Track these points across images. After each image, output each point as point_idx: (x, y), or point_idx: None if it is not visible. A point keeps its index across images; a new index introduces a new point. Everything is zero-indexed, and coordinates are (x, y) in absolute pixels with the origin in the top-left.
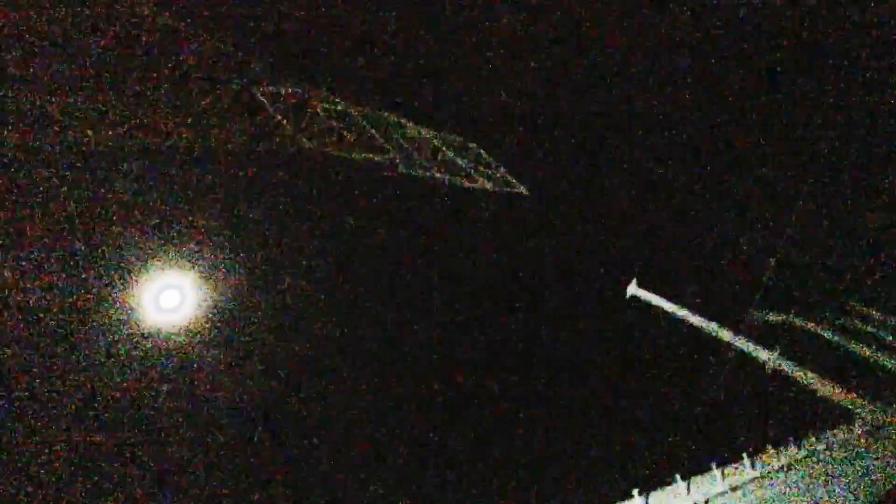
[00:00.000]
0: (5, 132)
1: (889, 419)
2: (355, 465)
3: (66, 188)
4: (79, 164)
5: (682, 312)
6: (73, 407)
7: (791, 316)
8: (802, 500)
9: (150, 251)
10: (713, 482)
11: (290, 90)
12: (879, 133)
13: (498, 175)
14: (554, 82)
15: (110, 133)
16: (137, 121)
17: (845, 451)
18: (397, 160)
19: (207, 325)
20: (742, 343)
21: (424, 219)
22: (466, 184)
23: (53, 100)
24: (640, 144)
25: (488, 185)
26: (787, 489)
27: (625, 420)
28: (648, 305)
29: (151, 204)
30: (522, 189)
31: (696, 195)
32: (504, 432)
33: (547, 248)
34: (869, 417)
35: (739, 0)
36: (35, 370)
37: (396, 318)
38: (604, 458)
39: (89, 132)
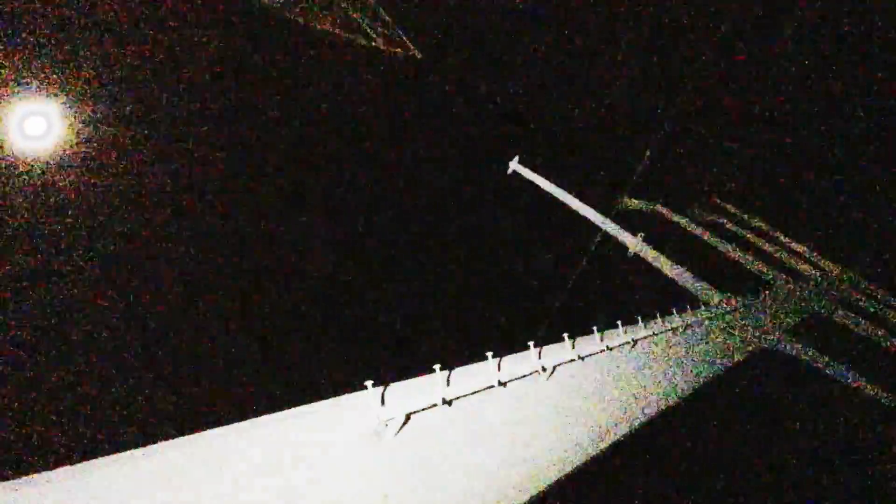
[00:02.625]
0: None
1: (732, 309)
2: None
3: None
4: None
5: (559, 192)
6: None
7: (659, 206)
8: (641, 374)
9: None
10: (563, 351)
11: None
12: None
13: (392, 34)
14: None
15: None
16: None
17: (688, 334)
18: (290, 6)
19: (75, 156)
20: (609, 226)
21: (311, 71)
22: (359, 39)
23: None
24: (543, 21)
25: (381, 44)
26: (629, 363)
27: (488, 289)
28: (527, 182)
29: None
30: (416, 52)
31: (592, 80)
32: (374, 297)
33: (434, 114)
34: (715, 305)
35: None
36: None
37: (270, 168)
38: (466, 325)
39: None
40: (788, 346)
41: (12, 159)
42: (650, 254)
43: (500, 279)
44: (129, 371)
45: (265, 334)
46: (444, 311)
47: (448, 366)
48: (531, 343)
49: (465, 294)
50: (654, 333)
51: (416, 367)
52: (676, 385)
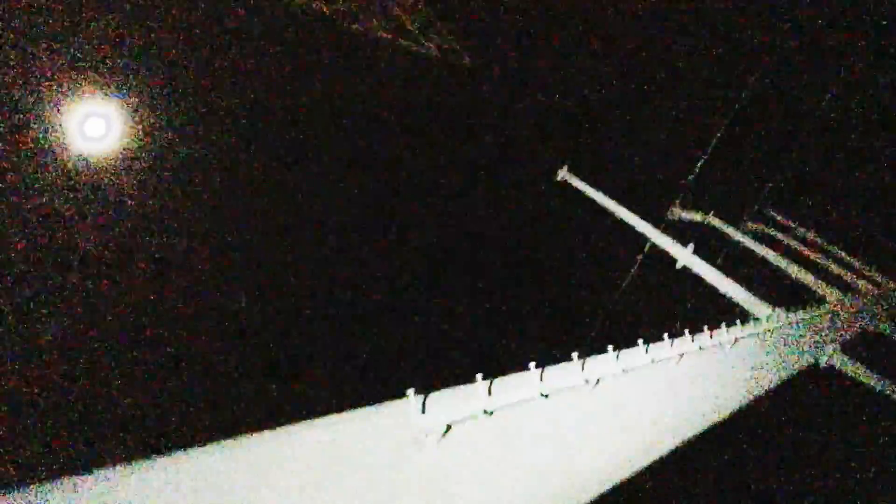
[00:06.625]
0: None
1: (783, 324)
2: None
3: None
4: None
5: (607, 202)
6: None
7: (709, 217)
8: (687, 389)
9: (75, 77)
10: (607, 363)
11: None
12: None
13: (445, 43)
14: None
15: None
16: None
17: (737, 349)
18: (347, 13)
19: (136, 158)
20: (658, 237)
21: (364, 78)
22: (412, 47)
23: None
24: (601, 30)
25: (433, 52)
26: (676, 377)
27: (532, 299)
28: (575, 192)
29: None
30: (466, 60)
31: (644, 89)
32: (416, 304)
33: (482, 122)
34: (765, 321)
35: None
36: None
37: (311, 170)
38: (509, 334)
39: None
40: (839, 363)
41: (72, 160)
42: (700, 266)
43: (545, 289)
44: (157, 375)
45: (304, 341)
46: (487, 320)
47: (490, 375)
48: (575, 354)
49: (509, 303)
50: (701, 347)
51: (456, 376)
52: (724, 401)
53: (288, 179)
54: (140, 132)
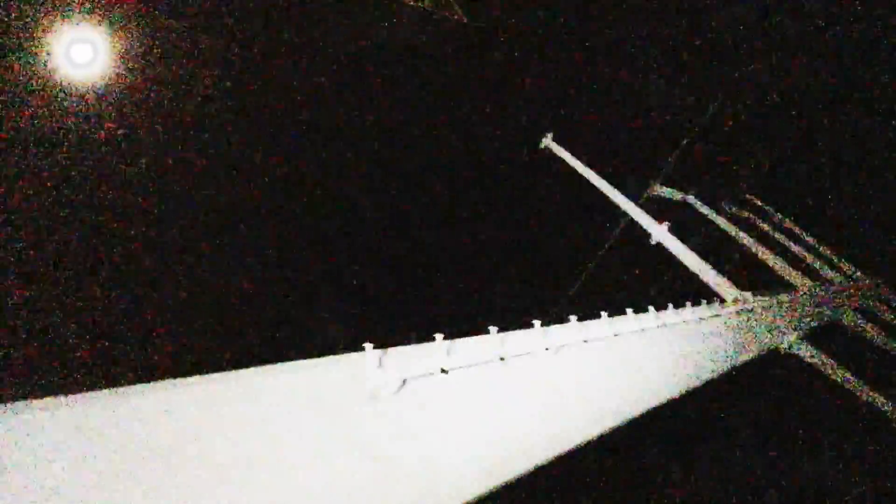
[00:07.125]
0: None
1: (748, 308)
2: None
3: None
4: None
5: (588, 173)
6: None
7: (690, 196)
8: (647, 364)
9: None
10: (569, 332)
11: None
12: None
13: None
14: None
15: None
16: None
17: (700, 328)
18: None
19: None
20: (635, 212)
21: (346, 28)
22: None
23: None
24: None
25: (426, 3)
26: (637, 351)
27: (501, 265)
28: (558, 160)
29: None
30: (462, 16)
31: (641, 63)
32: (388, 263)
33: (471, 82)
34: (730, 303)
35: None
36: None
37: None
38: (476, 298)
39: None
40: (800, 350)
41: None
42: (672, 244)
43: (516, 256)
44: (119, 312)
45: (273, 289)
46: (456, 283)
47: (451, 336)
48: (537, 322)
49: (478, 267)
50: (664, 324)
51: (418, 334)
52: (681, 378)
53: (269, 127)
54: (134, 59)
